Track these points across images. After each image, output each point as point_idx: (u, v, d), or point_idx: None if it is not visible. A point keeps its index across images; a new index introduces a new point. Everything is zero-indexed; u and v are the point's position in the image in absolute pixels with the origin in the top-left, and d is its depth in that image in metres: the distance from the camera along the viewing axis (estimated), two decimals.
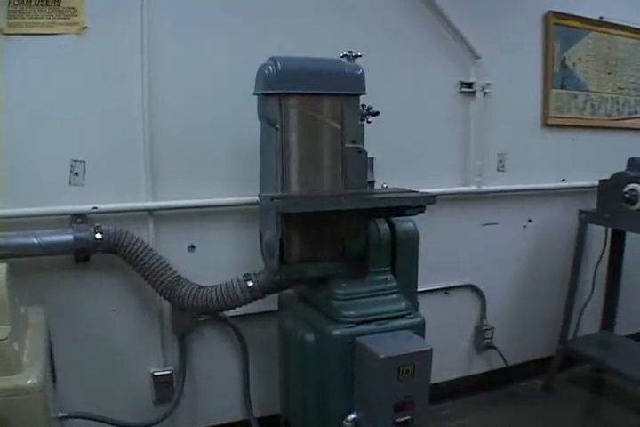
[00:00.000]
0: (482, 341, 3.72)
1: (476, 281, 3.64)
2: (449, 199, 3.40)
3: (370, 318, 2.38)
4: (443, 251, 3.39)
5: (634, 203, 2.88)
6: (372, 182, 2.62)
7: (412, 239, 2.59)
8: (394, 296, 2.49)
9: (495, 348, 3.74)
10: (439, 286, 3.52)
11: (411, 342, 2.31)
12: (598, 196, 3.56)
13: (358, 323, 2.35)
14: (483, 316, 3.72)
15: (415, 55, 3.26)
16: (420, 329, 2.43)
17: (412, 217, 2.51)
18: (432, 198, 2.38)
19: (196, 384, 2.99)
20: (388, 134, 3.02)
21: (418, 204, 2.34)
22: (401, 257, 2.58)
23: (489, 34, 3.43)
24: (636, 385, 3.53)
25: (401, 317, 2.43)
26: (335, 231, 2.45)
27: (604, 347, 3.83)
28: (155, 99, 2.69)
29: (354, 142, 2.44)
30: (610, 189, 3.35)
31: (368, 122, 2.55)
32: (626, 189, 2.92)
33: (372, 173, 2.68)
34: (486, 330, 3.71)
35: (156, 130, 2.71)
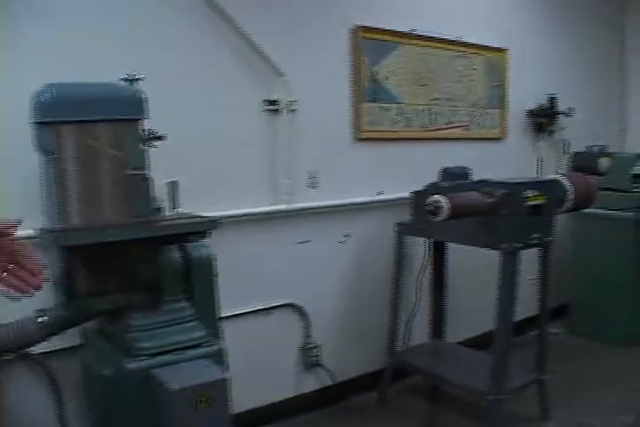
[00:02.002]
0: (308, 359, 3.69)
1: (297, 300, 3.60)
2: (258, 219, 3.35)
3: (166, 348, 2.32)
4: (258, 272, 3.35)
5: (436, 214, 2.88)
6: (160, 209, 2.54)
7: (206, 265, 2.54)
8: (190, 324, 2.44)
9: (322, 365, 3.72)
10: (258, 308, 3.43)
11: (206, 371, 2.27)
12: (413, 207, 3.62)
13: (155, 355, 2.29)
14: (307, 334, 3.68)
15: (214, 75, 3.20)
16: (218, 357, 2.40)
17: (207, 241, 2.48)
18: (212, 223, 2.36)
19: None
20: (191, 157, 2.99)
21: (195, 230, 2.31)
22: (197, 284, 2.53)
23: (293, 50, 3.44)
24: (466, 391, 3.59)
25: (198, 345, 2.39)
26: (122, 262, 2.38)
27: (433, 356, 3.92)
28: None
29: (136, 169, 2.36)
30: (421, 201, 3.37)
31: (153, 147, 2.48)
32: (428, 200, 2.91)
33: (176, 197, 2.62)
34: (312, 348, 3.68)
35: None
